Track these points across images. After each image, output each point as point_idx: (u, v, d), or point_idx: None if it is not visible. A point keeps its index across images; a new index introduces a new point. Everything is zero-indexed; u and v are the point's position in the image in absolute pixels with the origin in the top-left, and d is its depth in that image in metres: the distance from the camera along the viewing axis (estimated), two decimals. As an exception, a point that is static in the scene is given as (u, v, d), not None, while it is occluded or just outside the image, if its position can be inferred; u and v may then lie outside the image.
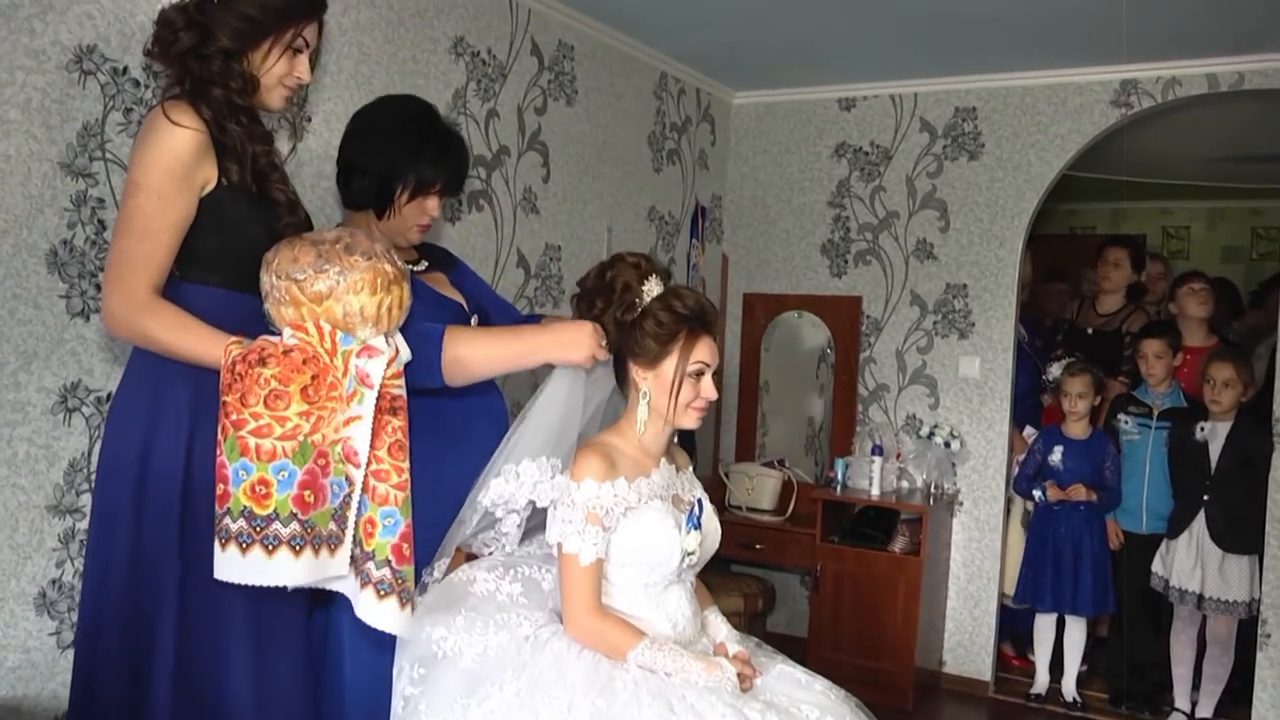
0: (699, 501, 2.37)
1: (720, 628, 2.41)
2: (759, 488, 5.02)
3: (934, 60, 4.62)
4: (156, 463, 2.01)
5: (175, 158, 1.98)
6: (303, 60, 2.18)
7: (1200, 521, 4.32)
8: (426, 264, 2.66)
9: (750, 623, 4.67)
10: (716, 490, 4.99)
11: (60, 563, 2.52)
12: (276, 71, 2.14)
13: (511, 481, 2.26)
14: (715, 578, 3.99)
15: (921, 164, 4.99)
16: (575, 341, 2.27)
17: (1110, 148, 4.98)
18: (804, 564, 4.84)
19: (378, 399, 1.98)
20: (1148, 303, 5.32)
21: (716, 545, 2.45)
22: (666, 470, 2.37)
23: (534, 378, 2.41)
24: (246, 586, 1.90)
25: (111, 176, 2.54)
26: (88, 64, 2.51)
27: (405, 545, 2.01)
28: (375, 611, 2.00)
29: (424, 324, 2.28)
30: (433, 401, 2.37)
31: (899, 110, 5.03)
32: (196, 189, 2.03)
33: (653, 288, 2.30)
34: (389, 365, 2.02)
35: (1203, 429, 4.36)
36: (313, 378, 1.92)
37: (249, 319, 2.07)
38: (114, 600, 2.02)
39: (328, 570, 1.96)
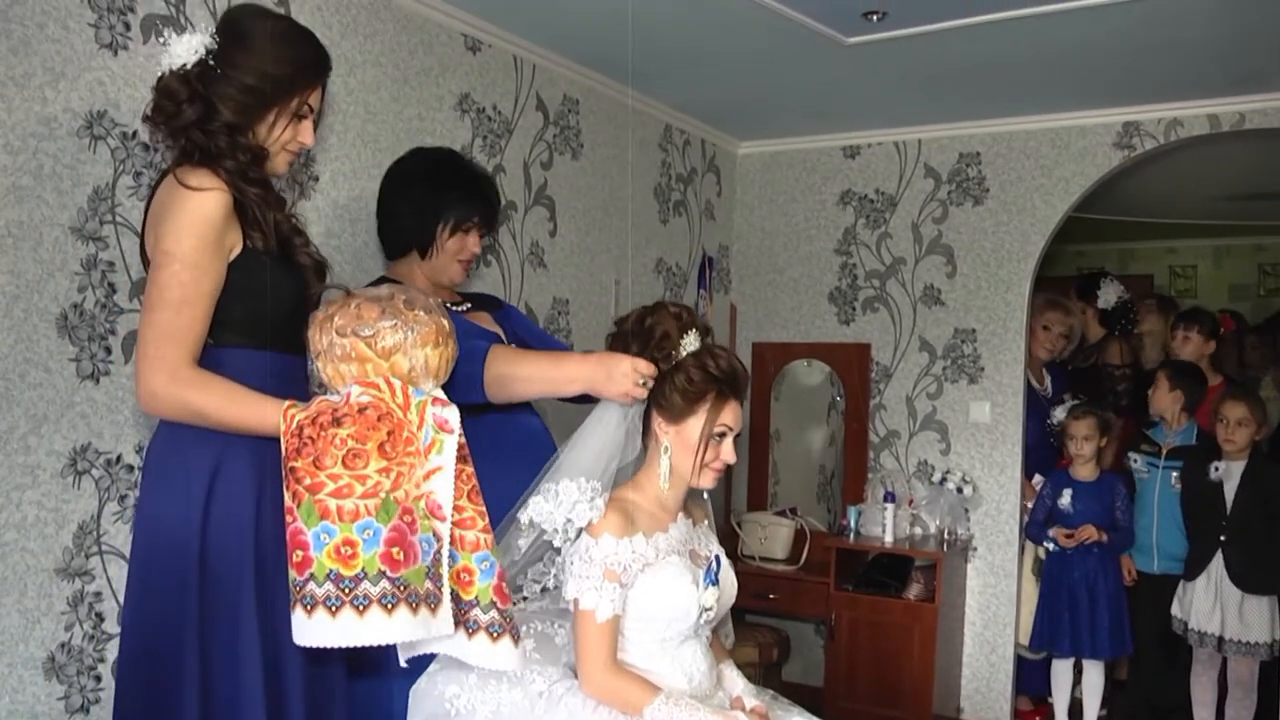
0: (716, 557, 2.35)
1: (736, 681, 2.39)
2: (772, 537, 4.99)
3: (937, 107, 4.65)
4: (219, 535, 1.96)
5: (207, 224, 1.94)
6: (306, 125, 2.15)
7: (1218, 562, 4.27)
8: (469, 305, 2.80)
9: (766, 673, 4.63)
10: (729, 540, 4.96)
11: (69, 626, 2.51)
12: (282, 140, 2.11)
13: (550, 500, 2.21)
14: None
15: (927, 210, 5.01)
16: (611, 377, 2.26)
17: (1115, 189, 4.99)
18: (818, 613, 4.79)
19: None
20: (1128, 329, 5.32)
21: (733, 600, 2.43)
22: (684, 525, 2.36)
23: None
24: (305, 651, 1.88)
25: (122, 240, 2.56)
26: (98, 129, 2.53)
27: (504, 585, 2.00)
28: (492, 654, 1.98)
29: (470, 340, 2.37)
30: (474, 421, 2.46)
31: (903, 157, 5.06)
32: (225, 254, 1.99)
33: (691, 342, 2.28)
34: None
35: (1217, 469, 4.32)
36: (388, 433, 1.89)
37: (286, 379, 2.06)
38: (173, 673, 1.94)
39: (432, 630, 1.92)
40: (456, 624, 1.97)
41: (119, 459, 2.58)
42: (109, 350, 2.55)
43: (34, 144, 2.41)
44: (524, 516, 2.25)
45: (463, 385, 2.33)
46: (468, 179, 2.77)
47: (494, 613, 1.97)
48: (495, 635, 1.97)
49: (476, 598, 1.97)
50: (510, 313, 2.95)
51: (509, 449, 2.61)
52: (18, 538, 2.40)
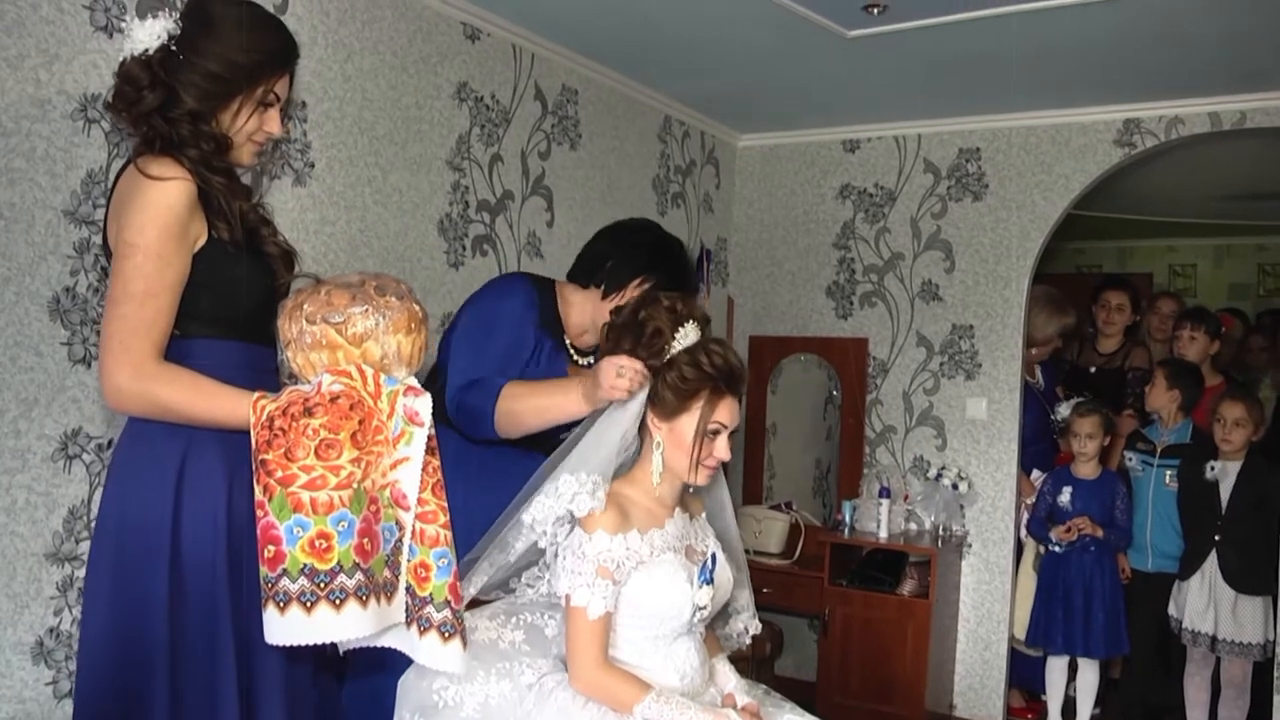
0: (712, 555, 2.31)
1: (729, 677, 2.36)
2: (766, 531, 4.98)
3: (937, 101, 4.64)
4: (192, 531, 1.91)
5: (171, 213, 1.88)
6: (273, 115, 2.08)
7: (1212, 562, 4.27)
8: (592, 359, 2.85)
9: (759, 667, 4.62)
10: (723, 533, 4.94)
11: (58, 611, 2.50)
12: (247, 129, 2.04)
13: (552, 497, 2.18)
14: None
15: (926, 205, 4.99)
16: (599, 383, 2.22)
17: (1115, 186, 4.97)
18: (812, 608, 4.78)
19: None
20: (1157, 340, 5.32)
21: (728, 597, 2.40)
22: (680, 520, 2.32)
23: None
24: (283, 651, 1.84)
25: (114, 223, 2.55)
26: (92, 112, 2.52)
27: (457, 584, 1.97)
28: (441, 654, 1.95)
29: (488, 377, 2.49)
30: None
31: (903, 151, 5.04)
32: (190, 245, 1.93)
33: (687, 335, 2.23)
34: None
35: (1213, 468, 4.31)
36: (360, 422, 1.85)
37: (256, 370, 2.02)
38: (141, 684, 1.88)
39: (388, 619, 1.89)
40: (409, 619, 1.94)
41: (110, 444, 2.56)
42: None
43: (27, 126, 2.39)
44: (526, 516, 2.21)
45: (474, 420, 2.45)
46: (683, 273, 2.89)
47: (447, 611, 1.94)
48: (446, 635, 1.94)
49: (431, 594, 1.93)
50: None
51: (497, 470, 2.62)
52: (7, 521, 2.39)
